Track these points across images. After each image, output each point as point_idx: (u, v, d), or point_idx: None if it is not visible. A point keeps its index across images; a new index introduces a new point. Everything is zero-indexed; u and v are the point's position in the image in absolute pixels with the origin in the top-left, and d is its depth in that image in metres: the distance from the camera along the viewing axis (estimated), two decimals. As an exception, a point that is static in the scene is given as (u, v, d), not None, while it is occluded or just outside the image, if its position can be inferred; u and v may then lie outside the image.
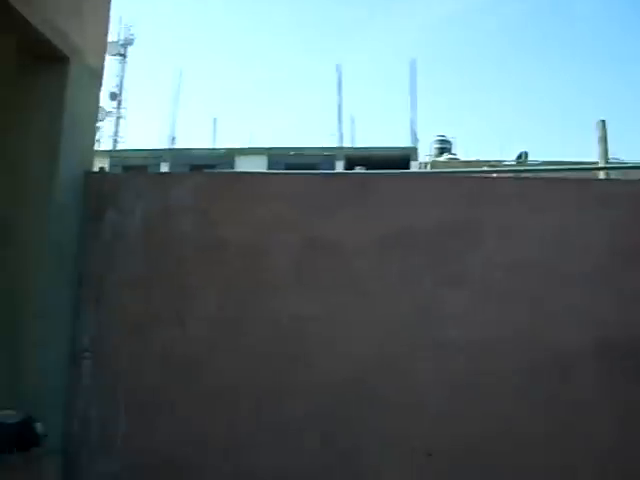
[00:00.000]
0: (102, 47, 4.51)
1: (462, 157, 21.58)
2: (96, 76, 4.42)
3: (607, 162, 8.98)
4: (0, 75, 4.07)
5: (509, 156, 21.92)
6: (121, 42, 29.65)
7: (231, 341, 4.05)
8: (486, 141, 48.83)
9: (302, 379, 3.96)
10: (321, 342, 4.00)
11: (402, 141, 23.73)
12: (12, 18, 3.60)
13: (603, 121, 9.49)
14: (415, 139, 23.35)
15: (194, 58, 55.30)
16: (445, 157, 21.66)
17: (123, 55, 29.85)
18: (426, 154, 22.69)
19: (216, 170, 19.36)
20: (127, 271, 4.17)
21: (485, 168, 11.24)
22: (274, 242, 4.14)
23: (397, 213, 4.13)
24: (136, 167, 20.64)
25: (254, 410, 3.97)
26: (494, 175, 8.23)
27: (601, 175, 8.08)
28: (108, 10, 4.58)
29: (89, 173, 4.34)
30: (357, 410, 3.90)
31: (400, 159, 20.05)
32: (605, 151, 9.10)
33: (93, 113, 4.42)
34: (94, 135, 4.45)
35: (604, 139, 9.20)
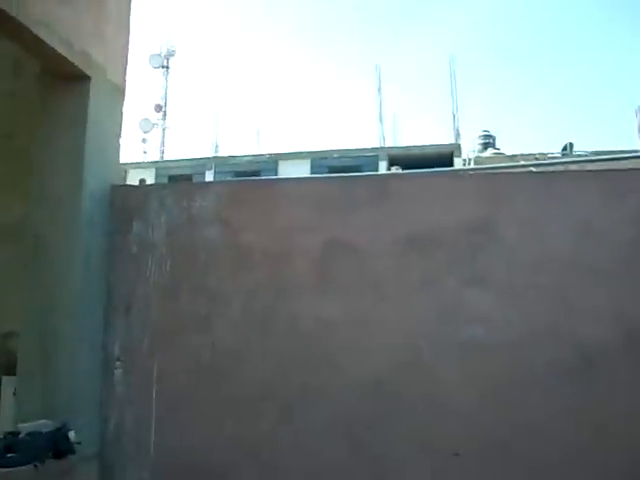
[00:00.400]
0: (124, 63, 4.61)
1: (507, 152, 21.18)
2: (118, 91, 4.53)
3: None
4: (24, 95, 4.23)
5: (555, 148, 21.42)
6: (163, 54, 30.15)
7: (257, 346, 4.11)
8: (531, 134, 47.64)
9: (327, 382, 3.99)
10: (345, 345, 4.02)
11: (445, 138, 23.43)
12: (33, 41, 3.74)
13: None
14: (458, 135, 23.06)
15: (236, 65, 55.86)
16: (489, 152, 21.29)
17: (166, 67, 30.31)
18: (470, 150, 22.35)
19: (260, 176, 19.43)
20: (154, 280, 4.27)
21: (522, 162, 11.04)
22: (296, 247, 4.18)
23: (417, 213, 4.11)
24: (181, 176, 20.88)
25: (281, 413, 4.02)
26: (532, 169, 8.04)
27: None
28: (128, 27, 4.68)
29: (115, 186, 4.46)
30: (382, 412, 3.91)
31: (444, 156, 19.80)
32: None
33: (117, 128, 4.53)
34: (119, 149, 4.55)
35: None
